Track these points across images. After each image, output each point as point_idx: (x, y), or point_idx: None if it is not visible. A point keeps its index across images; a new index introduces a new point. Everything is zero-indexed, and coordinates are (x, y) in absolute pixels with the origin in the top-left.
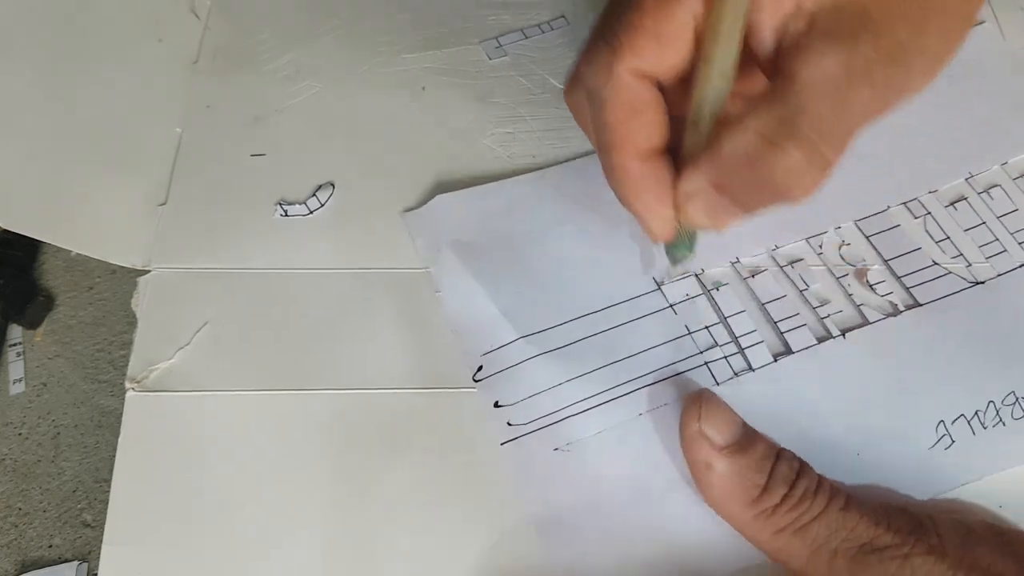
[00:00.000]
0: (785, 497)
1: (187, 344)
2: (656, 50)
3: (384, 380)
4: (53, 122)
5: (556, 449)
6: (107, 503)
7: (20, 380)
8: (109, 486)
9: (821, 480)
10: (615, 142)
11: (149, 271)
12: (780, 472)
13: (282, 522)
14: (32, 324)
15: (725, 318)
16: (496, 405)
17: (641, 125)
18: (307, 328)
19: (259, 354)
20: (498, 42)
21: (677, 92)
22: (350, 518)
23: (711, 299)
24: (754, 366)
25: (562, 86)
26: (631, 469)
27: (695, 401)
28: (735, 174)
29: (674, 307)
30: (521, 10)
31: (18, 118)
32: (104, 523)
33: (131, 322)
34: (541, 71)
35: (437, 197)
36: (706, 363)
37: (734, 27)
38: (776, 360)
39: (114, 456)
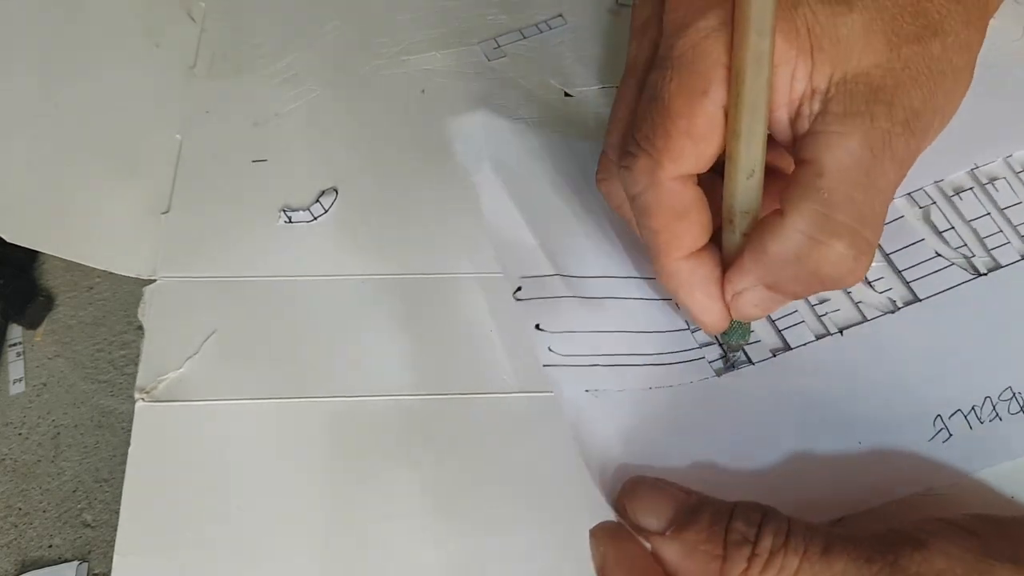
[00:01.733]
0: (752, 559)
1: (195, 353)
2: (693, 150)
3: (392, 387)
4: (52, 132)
5: (587, 391)
6: (107, 503)
7: (20, 380)
8: (109, 486)
9: (792, 526)
10: (662, 246)
11: (155, 280)
12: (737, 533)
13: (294, 530)
14: (32, 324)
15: None
16: (538, 327)
17: (686, 227)
18: (315, 335)
19: (267, 362)
20: (496, 43)
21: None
22: (361, 525)
23: None
24: (754, 360)
25: (562, 87)
26: (645, 435)
27: (619, 498)
28: (784, 274)
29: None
30: (518, 10)
31: (17, 129)
32: (104, 523)
33: (131, 322)
34: (540, 72)
35: (483, 111)
36: (704, 358)
37: (754, 126)
38: (775, 356)
39: (114, 456)
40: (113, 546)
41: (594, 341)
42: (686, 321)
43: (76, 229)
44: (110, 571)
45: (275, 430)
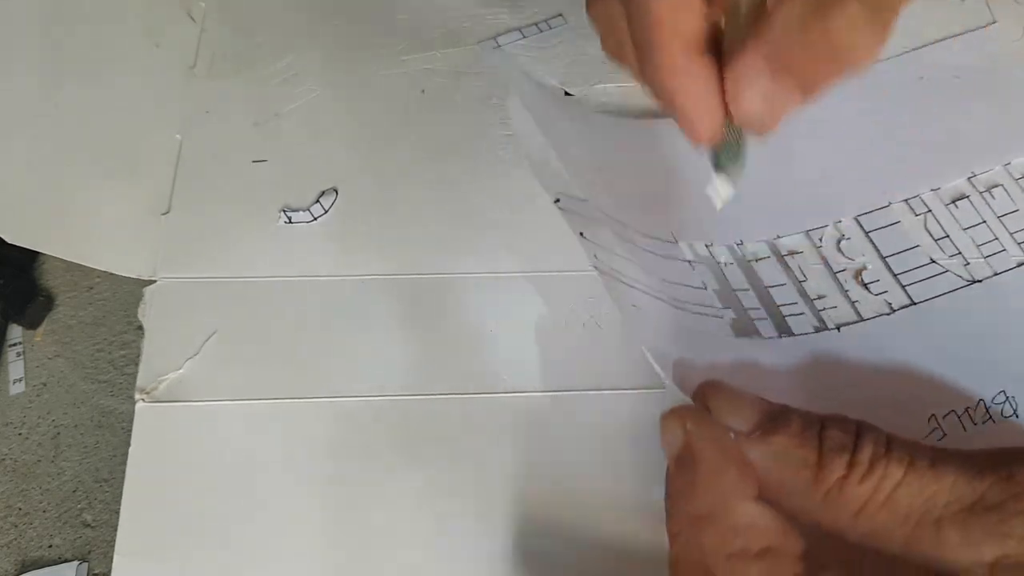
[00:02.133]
0: (851, 465)
1: (196, 354)
2: None
3: (393, 387)
4: (52, 132)
5: (633, 305)
6: (107, 503)
7: (20, 380)
8: (109, 486)
9: (892, 438)
10: (661, 38)
11: (155, 281)
12: (832, 439)
13: (295, 531)
14: (32, 324)
15: (733, 291)
16: (582, 236)
17: (688, 18)
18: (315, 335)
19: (268, 362)
20: (496, 42)
21: None
22: (362, 525)
23: (720, 272)
24: (763, 334)
25: (561, 87)
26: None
27: (700, 396)
28: (792, 45)
29: (692, 263)
30: (519, 9)
31: (16, 129)
32: (104, 523)
33: (131, 322)
34: (540, 71)
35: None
36: (724, 318)
37: None
38: (780, 337)
39: (114, 456)
40: (113, 546)
41: (625, 266)
42: (703, 282)
43: (76, 229)
44: (110, 571)
45: (275, 430)
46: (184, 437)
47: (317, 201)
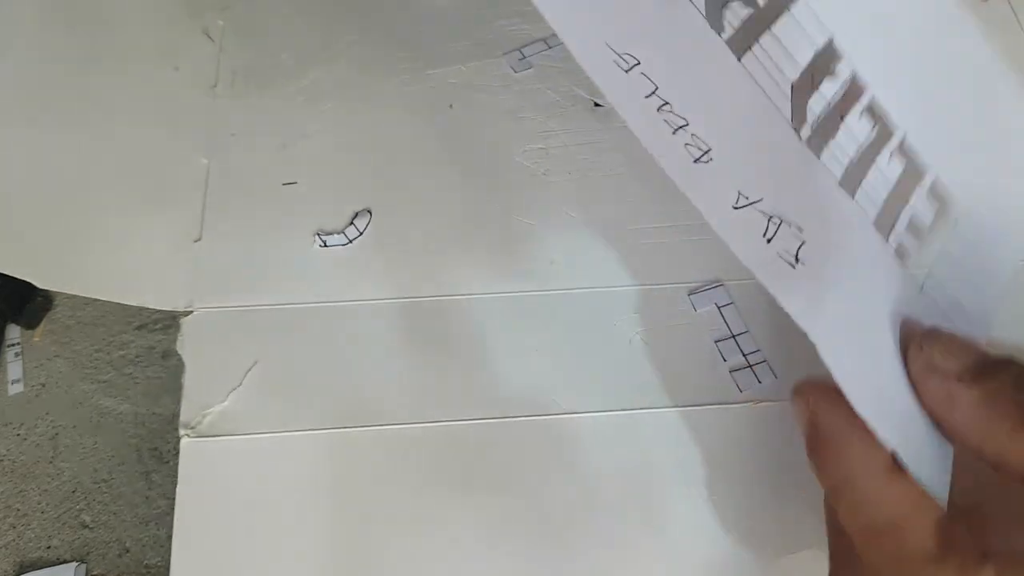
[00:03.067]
0: None
1: (238, 386)
2: None
3: (442, 412)
4: (75, 168)
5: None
6: (106, 504)
7: (19, 380)
8: (108, 487)
9: None
10: None
11: (191, 312)
12: None
13: (352, 564)
14: (31, 324)
15: None
16: None
17: None
18: (358, 362)
19: (311, 391)
20: (522, 54)
21: None
22: (419, 559)
23: None
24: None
25: (591, 97)
26: None
27: (912, 334)
28: None
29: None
30: (540, 19)
31: (41, 168)
32: (103, 524)
33: (130, 322)
34: (568, 82)
35: None
36: None
37: None
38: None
39: (113, 457)
40: (111, 547)
41: None
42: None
43: (107, 267)
44: (108, 572)
45: (325, 461)
46: (231, 471)
47: (351, 223)
